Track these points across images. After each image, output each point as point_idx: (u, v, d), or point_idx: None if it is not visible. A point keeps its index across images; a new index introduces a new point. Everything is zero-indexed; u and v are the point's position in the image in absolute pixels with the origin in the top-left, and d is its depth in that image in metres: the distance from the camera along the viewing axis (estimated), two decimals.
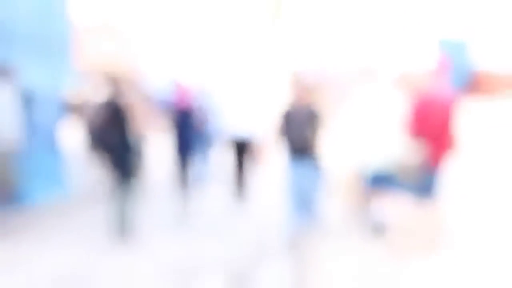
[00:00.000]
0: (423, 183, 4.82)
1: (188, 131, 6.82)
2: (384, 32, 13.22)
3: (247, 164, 7.35)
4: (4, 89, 5.47)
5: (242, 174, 7.54)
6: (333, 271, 4.68)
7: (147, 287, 4.29)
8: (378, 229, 5.59)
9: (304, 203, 5.10)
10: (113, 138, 5.24)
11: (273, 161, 5.45)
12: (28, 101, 5.99)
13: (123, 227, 5.26)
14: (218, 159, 8.59)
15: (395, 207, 5.50)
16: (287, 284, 4.47)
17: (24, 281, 4.26)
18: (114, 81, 5.97)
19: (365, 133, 6.00)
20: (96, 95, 7.90)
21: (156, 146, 8.29)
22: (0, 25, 6.20)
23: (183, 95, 6.82)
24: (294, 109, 5.17)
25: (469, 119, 4.96)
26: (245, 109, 7.46)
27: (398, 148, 5.06)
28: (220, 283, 4.42)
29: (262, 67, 12.56)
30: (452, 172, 5.07)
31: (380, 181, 5.71)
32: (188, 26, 16.12)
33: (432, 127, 4.72)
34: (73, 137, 8.54)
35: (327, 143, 5.88)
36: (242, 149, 7.37)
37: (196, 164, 7.04)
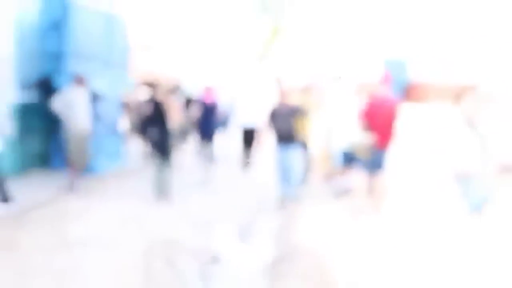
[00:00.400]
0: (374, 161, 4.79)
1: (211, 119, 6.85)
2: (348, 53, 13.22)
3: (251, 145, 7.45)
4: (80, 92, 5.44)
5: (248, 151, 7.64)
6: (308, 221, 4.77)
7: (177, 229, 4.37)
8: (341, 193, 5.60)
9: (287, 176, 5.03)
10: (154, 126, 5.18)
11: (269, 143, 5.45)
12: (97, 100, 6.07)
13: (161, 189, 5.32)
14: (231, 141, 8.61)
15: (354, 177, 5.48)
16: (277, 229, 4.55)
17: (98, 222, 4.41)
18: (155, 86, 6.02)
19: (336, 125, 6.04)
20: (143, 95, 8.00)
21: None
22: (78, 48, 6.18)
23: (209, 94, 6.88)
24: (279, 107, 5.03)
25: (405, 118, 4.98)
26: (251, 107, 7.57)
27: (358, 136, 4.98)
28: (229, 228, 4.49)
29: (261, 79, 12.61)
30: (393, 154, 5.09)
31: (345, 159, 5.66)
32: (212, 47, 16.17)
33: (379, 122, 4.69)
34: (127, 126, 8.58)
35: (311, 131, 5.87)
36: (248, 134, 7.49)
37: (215, 144, 7.12)
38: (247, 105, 7.65)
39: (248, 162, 7.61)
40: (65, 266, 3.34)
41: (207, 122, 6.77)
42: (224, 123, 8.23)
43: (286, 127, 4.97)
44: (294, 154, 5.01)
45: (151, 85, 7.62)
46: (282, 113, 5.00)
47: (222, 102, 8.00)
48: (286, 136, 4.99)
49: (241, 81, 10.68)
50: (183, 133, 8.03)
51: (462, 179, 3.91)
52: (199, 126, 6.83)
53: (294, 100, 5.19)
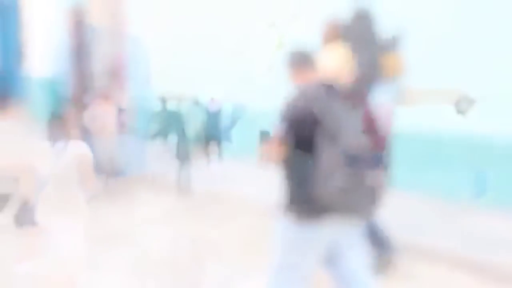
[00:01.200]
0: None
1: (215, 125, 7.33)
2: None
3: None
4: (107, 106, 5.50)
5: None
6: None
7: (200, 222, 4.41)
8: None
9: None
10: (175, 132, 5.30)
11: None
12: (122, 113, 6.12)
13: (183, 187, 5.41)
14: (247, 143, 8.62)
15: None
16: None
17: (128, 219, 4.46)
18: (170, 99, 6.05)
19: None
20: (160, 106, 8.16)
21: None
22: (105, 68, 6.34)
23: (214, 103, 7.31)
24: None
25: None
26: (265, 112, 7.81)
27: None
28: (253, 216, 4.54)
29: (270, 87, 12.60)
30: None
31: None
32: (224, 60, 16.22)
33: (376, 125, 4.66)
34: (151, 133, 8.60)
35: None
36: (262, 135, 7.71)
37: (222, 143, 7.63)
38: (261, 111, 7.88)
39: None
40: (100, 260, 3.38)
41: (212, 127, 7.30)
42: (230, 128, 8.46)
43: None
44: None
45: (166, 99, 7.86)
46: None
47: (229, 110, 8.43)
48: None
49: (253, 88, 10.75)
50: (199, 138, 8.20)
51: (479, 172, 4.18)
52: (205, 130, 7.33)
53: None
